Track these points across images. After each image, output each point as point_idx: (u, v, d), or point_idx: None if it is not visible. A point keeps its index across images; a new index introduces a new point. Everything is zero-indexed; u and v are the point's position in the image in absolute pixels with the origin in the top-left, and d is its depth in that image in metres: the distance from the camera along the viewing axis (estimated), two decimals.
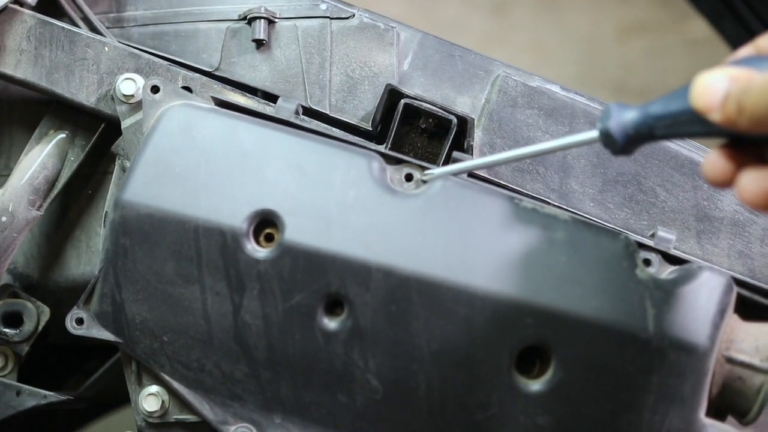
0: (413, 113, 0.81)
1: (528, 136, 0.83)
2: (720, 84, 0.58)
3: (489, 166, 0.77)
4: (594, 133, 0.65)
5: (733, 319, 0.74)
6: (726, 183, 0.61)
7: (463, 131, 0.81)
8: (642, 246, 0.75)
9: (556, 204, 0.80)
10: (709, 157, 0.61)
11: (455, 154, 0.79)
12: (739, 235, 0.82)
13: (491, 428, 0.72)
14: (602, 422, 0.71)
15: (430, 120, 0.81)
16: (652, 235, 0.77)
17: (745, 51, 0.61)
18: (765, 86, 0.55)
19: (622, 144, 0.63)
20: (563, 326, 0.70)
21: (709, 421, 0.73)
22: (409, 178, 0.75)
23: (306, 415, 0.74)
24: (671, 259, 0.75)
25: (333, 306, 0.72)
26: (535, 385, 0.71)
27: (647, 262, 0.73)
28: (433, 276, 0.71)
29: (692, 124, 0.60)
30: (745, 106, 0.56)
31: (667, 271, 0.73)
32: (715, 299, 0.71)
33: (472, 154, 0.81)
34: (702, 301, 0.71)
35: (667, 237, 0.76)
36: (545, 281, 0.71)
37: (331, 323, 0.72)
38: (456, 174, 0.74)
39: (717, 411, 0.76)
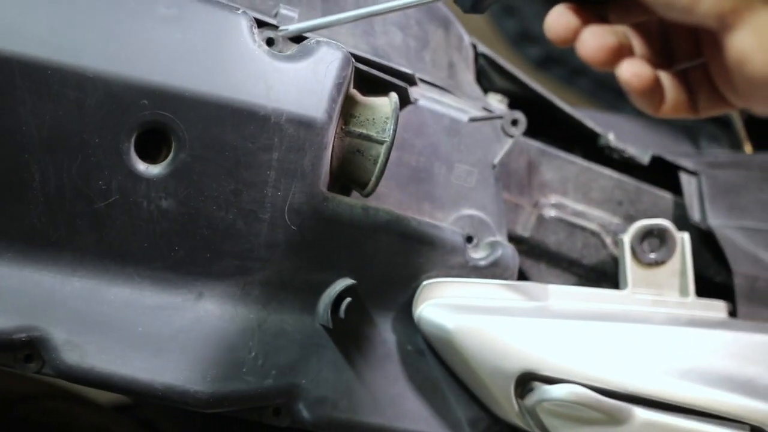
0: None
1: None
2: None
3: (339, 23, 0.74)
4: None
5: (351, 94, 0.76)
6: (569, 39, 0.60)
7: None
8: (264, 24, 0.74)
9: None
10: (554, 12, 0.60)
11: None
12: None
13: (113, 215, 0.70)
14: (225, 201, 0.71)
15: None
16: (276, 14, 0.76)
17: None
18: None
19: (472, 1, 0.63)
20: (181, 106, 0.68)
21: (331, 195, 0.75)
22: None
23: None
24: (296, 39, 0.74)
25: None
26: (157, 169, 0.70)
27: (269, 41, 0.73)
28: (36, 57, 0.65)
29: None
30: None
31: (290, 49, 0.73)
32: (333, 74, 0.72)
33: None
34: (319, 76, 0.71)
35: (290, 15, 0.76)
36: (159, 60, 0.68)
37: None
38: (308, 31, 0.73)
39: (341, 185, 0.79)
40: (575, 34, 0.61)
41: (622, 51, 0.60)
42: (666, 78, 0.61)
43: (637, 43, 0.62)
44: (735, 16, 0.50)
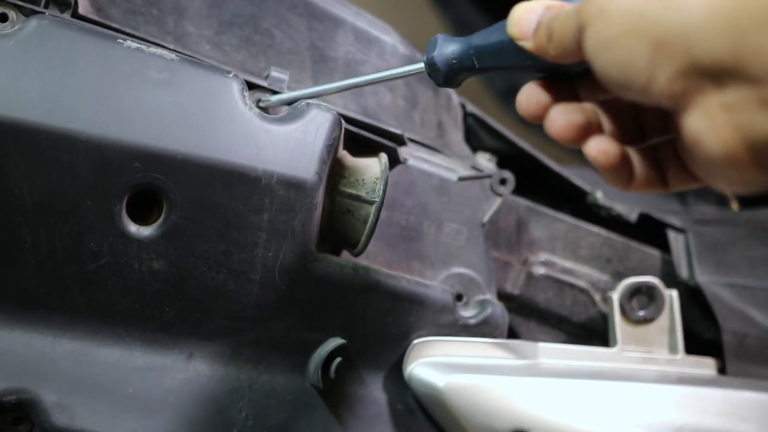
0: None
1: None
2: (535, 12, 0.58)
3: (323, 95, 0.75)
4: (420, 65, 0.67)
5: (341, 155, 0.77)
6: (540, 116, 0.61)
7: None
8: (255, 86, 0.75)
9: (171, 47, 0.77)
10: (525, 89, 0.61)
11: None
12: (353, 75, 0.84)
13: (104, 277, 0.70)
14: (216, 262, 0.72)
15: None
16: (267, 76, 0.77)
17: None
18: (571, 13, 0.55)
19: (445, 75, 0.65)
20: (172, 168, 0.69)
21: (321, 255, 0.76)
22: (3, 18, 0.69)
23: None
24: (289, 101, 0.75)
25: None
26: (148, 231, 0.70)
27: (260, 102, 0.74)
28: (29, 121, 0.66)
29: (511, 54, 0.60)
30: (553, 32, 0.56)
31: (281, 111, 0.74)
32: (323, 136, 0.72)
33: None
34: (309, 138, 0.72)
35: (281, 77, 0.77)
36: (151, 123, 0.68)
37: None
38: (291, 102, 0.74)
39: (331, 245, 0.80)
40: (546, 111, 0.61)
41: (590, 128, 0.60)
42: (635, 154, 0.62)
43: (606, 120, 0.62)
44: (687, 97, 0.50)
